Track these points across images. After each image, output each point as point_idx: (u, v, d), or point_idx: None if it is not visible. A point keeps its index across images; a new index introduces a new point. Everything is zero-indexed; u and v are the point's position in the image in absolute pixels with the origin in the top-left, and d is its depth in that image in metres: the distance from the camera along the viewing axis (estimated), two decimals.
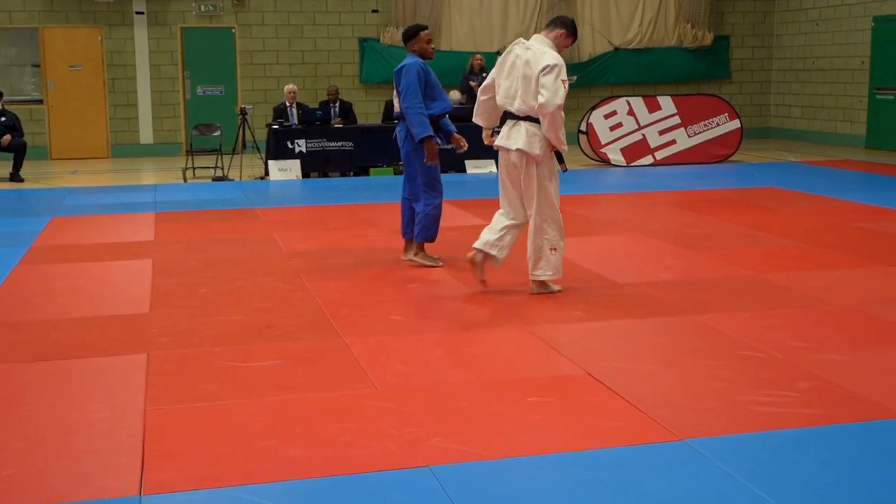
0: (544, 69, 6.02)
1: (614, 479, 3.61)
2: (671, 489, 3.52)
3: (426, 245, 7.51)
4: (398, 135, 7.37)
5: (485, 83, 6.54)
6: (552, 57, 6.08)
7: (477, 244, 6.43)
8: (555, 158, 6.33)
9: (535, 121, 6.16)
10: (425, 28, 7.38)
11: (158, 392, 4.63)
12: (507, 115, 6.33)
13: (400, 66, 7.22)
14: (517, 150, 6.21)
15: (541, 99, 6.02)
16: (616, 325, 5.81)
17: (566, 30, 6.30)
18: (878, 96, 17.12)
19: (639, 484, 3.56)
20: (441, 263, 7.41)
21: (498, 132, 6.46)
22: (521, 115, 6.21)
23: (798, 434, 4.04)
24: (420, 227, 7.35)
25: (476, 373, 4.93)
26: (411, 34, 7.32)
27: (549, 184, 6.28)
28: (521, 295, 6.52)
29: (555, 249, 6.35)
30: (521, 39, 6.40)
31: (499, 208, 6.50)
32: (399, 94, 7.17)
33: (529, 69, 6.11)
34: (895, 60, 16.68)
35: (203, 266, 7.65)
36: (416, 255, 7.46)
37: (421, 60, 7.22)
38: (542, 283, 6.47)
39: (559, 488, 3.53)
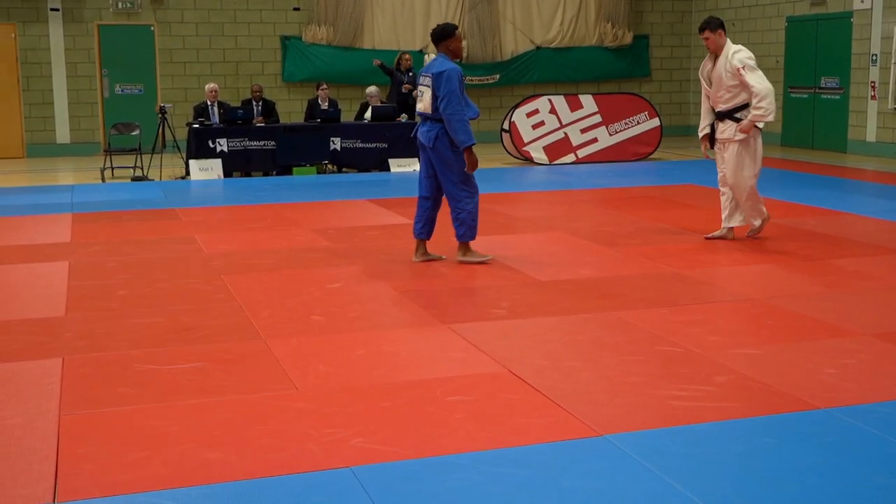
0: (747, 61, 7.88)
1: (533, 476, 3.63)
2: (590, 485, 3.55)
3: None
4: (425, 134, 7.34)
5: (704, 92, 8.25)
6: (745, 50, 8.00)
7: (717, 233, 8.36)
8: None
9: (732, 117, 7.98)
10: (457, 27, 7.44)
11: (73, 397, 4.54)
12: (718, 115, 8.11)
13: (439, 69, 7.15)
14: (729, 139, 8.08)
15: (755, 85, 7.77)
16: (537, 322, 5.85)
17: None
18: (792, 95, 17.50)
19: (558, 480, 3.58)
20: (490, 257, 7.48)
21: None
22: (731, 107, 8.01)
23: (715, 427, 4.11)
24: (466, 227, 7.37)
25: (397, 372, 4.92)
26: (447, 33, 7.31)
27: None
28: (443, 294, 6.54)
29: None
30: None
31: None
32: (439, 97, 7.12)
33: (730, 66, 7.85)
34: (808, 60, 17.08)
35: (121, 268, 7.52)
36: (465, 255, 7.44)
37: (457, 66, 7.23)
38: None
39: (479, 486, 3.54)
